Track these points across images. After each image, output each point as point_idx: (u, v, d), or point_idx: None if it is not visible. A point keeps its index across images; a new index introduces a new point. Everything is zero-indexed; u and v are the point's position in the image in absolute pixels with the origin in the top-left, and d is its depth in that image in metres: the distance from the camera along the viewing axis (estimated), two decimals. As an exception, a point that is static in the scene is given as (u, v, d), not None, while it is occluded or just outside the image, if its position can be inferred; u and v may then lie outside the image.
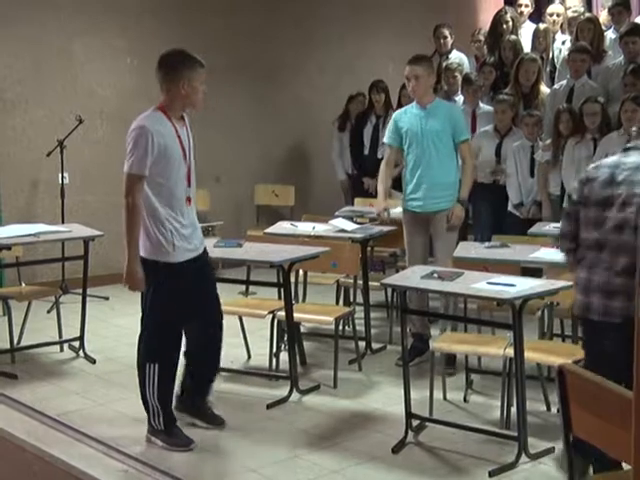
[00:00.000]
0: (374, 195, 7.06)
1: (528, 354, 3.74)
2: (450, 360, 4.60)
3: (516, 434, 3.66)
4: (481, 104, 6.64)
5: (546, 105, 6.35)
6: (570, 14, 7.20)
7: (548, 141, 5.98)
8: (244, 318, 4.95)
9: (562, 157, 5.84)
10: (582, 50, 6.29)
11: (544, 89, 6.54)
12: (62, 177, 6.44)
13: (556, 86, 6.46)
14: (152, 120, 3.67)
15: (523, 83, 6.44)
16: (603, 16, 7.31)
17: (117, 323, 5.81)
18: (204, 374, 4.01)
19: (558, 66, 6.85)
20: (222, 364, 4.74)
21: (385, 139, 5.11)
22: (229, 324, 4.92)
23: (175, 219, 3.69)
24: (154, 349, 3.77)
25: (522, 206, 6.10)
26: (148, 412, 3.82)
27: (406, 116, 4.95)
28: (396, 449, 3.75)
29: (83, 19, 6.75)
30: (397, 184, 5.87)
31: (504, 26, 7.24)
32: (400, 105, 7.01)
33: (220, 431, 3.97)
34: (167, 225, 3.67)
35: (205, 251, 3.91)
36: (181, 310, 3.74)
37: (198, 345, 3.95)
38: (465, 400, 4.35)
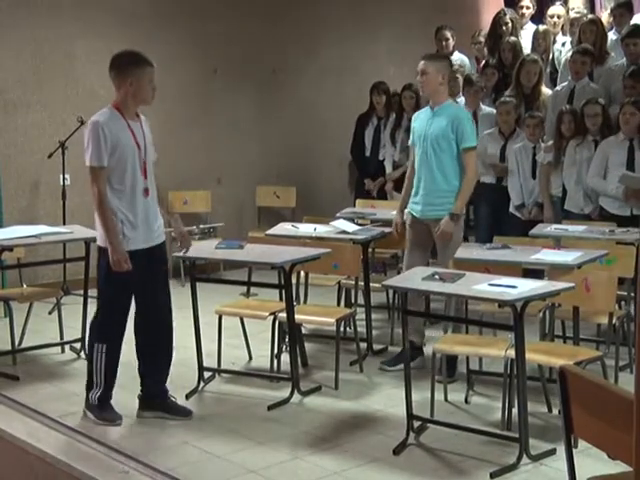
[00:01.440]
0: (375, 197, 7.10)
1: (529, 355, 3.74)
2: (451, 367, 4.54)
3: (517, 435, 3.65)
4: (482, 105, 6.64)
5: (548, 107, 6.35)
6: (573, 15, 7.20)
7: (550, 142, 5.98)
8: (245, 319, 4.95)
9: (564, 158, 5.85)
10: (583, 52, 6.29)
11: (545, 90, 6.54)
12: (63, 178, 6.44)
13: (558, 88, 6.46)
14: (105, 116, 3.96)
15: (524, 84, 6.44)
16: (605, 17, 7.30)
17: (118, 324, 5.80)
18: (157, 361, 4.20)
19: (560, 68, 6.86)
20: (223, 365, 4.78)
21: (409, 142, 5.02)
22: (230, 325, 4.94)
23: (127, 209, 3.97)
24: (103, 330, 4.07)
25: (523, 207, 6.10)
26: (90, 388, 4.11)
27: (419, 117, 4.87)
28: (397, 450, 3.75)
29: (84, 21, 6.75)
30: (399, 185, 5.88)
31: (503, 28, 7.25)
32: (401, 107, 7.02)
33: (222, 433, 3.98)
34: (118, 215, 3.95)
35: (163, 242, 4.17)
36: (129, 296, 4.04)
37: (148, 332, 4.17)
38: (466, 401, 4.35)
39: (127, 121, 3.98)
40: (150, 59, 4.07)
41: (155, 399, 4.19)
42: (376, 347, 5.19)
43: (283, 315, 4.56)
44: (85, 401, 4.15)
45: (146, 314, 4.14)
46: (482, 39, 7.56)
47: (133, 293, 4.07)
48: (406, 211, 4.91)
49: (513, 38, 7.05)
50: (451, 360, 4.56)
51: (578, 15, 7.08)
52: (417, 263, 4.62)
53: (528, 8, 7.53)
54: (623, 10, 6.77)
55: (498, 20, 7.33)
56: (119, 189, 3.95)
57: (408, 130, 5.29)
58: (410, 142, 4.97)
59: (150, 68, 4.03)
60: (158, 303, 4.16)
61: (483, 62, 7.42)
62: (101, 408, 4.10)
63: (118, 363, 4.15)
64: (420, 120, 4.83)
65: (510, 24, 7.23)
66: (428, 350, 4.61)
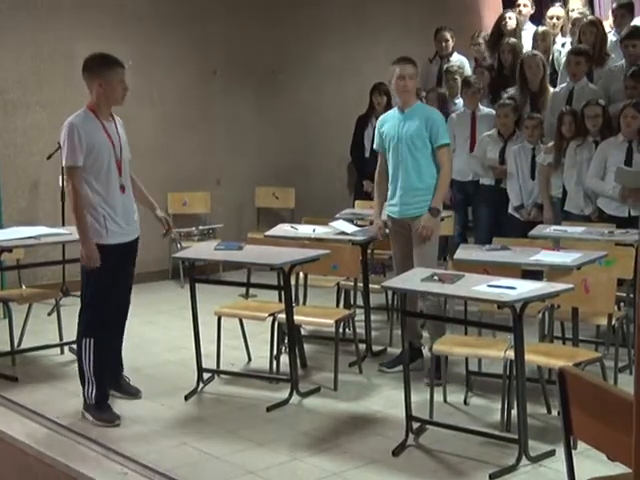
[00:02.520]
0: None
1: (529, 357, 3.74)
2: (437, 369, 4.40)
3: (516, 437, 3.65)
4: (481, 106, 6.65)
5: (547, 108, 6.35)
6: (575, 15, 7.19)
7: (550, 144, 5.98)
8: (244, 321, 4.95)
9: (564, 160, 5.85)
10: (577, 52, 6.28)
11: (551, 88, 6.54)
12: (63, 179, 6.42)
13: (557, 89, 6.47)
14: (80, 118, 4.13)
15: (531, 79, 6.43)
16: (609, 19, 7.30)
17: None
18: (112, 341, 4.34)
19: (560, 69, 6.85)
20: (222, 366, 4.78)
21: (374, 146, 5.03)
22: (230, 327, 4.94)
23: (107, 205, 4.13)
24: (90, 325, 4.16)
25: (522, 208, 6.10)
26: (84, 386, 4.17)
27: (388, 120, 4.87)
28: (396, 452, 3.75)
29: (84, 22, 6.75)
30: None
31: (507, 28, 7.25)
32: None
33: (221, 434, 3.98)
34: (100, 210, 4.12)
35: (137, 238, 4.31)
36: (110, 288, 4.15)
37: (115, 318, 4.33)
38: (465, 403, 4.35)
39: (101, 122, 4.16)
40: (120, 60, 4.22)
41: (109, 379, 4.32)
42: (375, 348, 5.18)
43: (282, 316, 4.56)
44: (83, 402, 4.19)
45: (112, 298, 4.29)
46: (481, 40, 7.56)
47: (116, 285, 4.19)
48: (385, 216, 4.92)
49: (513, 39, 7.05)
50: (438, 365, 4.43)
51: (580, 16, 7.07)
52: (397, 254, 4.79)
53: (526, 6, 7.52)
54: (624, 11, 6.76)
55: (502, 20, 7.32)
56: (97, 186, 4.12)
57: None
58: (376, 147, 4.96)
59: (120, 69, 4.21)
60: (125, 288, 4.34)
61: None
62: (99, 409, 4.13)
63: (110, 359, 4.27)
64: (390, 123, 4.83)
65: (514, 25, 7.22)
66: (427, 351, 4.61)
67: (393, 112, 4.90)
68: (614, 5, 7.00)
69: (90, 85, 4.17)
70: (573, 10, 7.32)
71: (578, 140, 5.79)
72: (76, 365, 4.94)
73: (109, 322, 4.22)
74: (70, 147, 4.06)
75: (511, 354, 3.75)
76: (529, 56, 6.50)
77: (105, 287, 4.14)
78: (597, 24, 6.65)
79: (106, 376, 4.21)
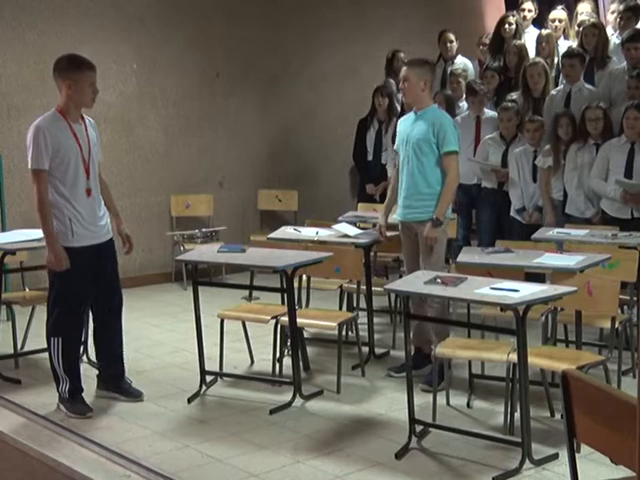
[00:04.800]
0: (377, 200, 7.10)
1: (532, 360, 3.74)
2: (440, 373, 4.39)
3: (520, 440, 3.65)
4: (485, 109, 6.64)
5: (544, 113, 6.34)
6: (581, 18, 7.17)
7: (547, 147, 5.98)
8: (247, 323, 4.95)
9: (564, 162, 5.85)
10: (570, 55, 6.27)
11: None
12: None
13: (553, 92, 6.46)
14: (47, 120, 4.12)
15: (532, 88, 6.44)
16: (611, 20, 7.28)
17: (120, 328, 5.80)
18: (112, 345, 4.42)
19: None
20: (225, 369, 4.78)
21: (394, 146, 5.05)
22: (232, 329, 4.94)
23: (74, 208, 4.14)
24: (57, 324, 4.21)
25: (524, 211, 6.10)
26: (56, 381, 4.26)
27: (404, 121, 4.89)
28: (399, 455, 3.74)
29: (88, 25, 6.77)
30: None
31: (507, 30, 7.24)
32: (403, 111, 7.02)
33: (223, 436, 3.98)
34: (65, 212, 4.12)
35: (110, 240, 4.33)
36: (79, 290, 4.19)
37: (104, 319, 4.39)
38: (468, 406, 4.35)
39: (69, 123, 4.14)
40: (91, 62, 4.20)
41: (111, 381, 4.45)
42: (378, 351, 5.18)
43: (285, 319, 4.55)
44: (58, 395, 4.29)
45: (102, 303, 4.36)
46: (488, 41, 7.57)
47: (85, 287, 4.21)
48: (394, 218, 4.92)
49: (519, 41, 7.04)
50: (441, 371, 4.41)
51: (585, 19, 7.06)
52: (406, 255, 4.78)
53: (530, 11, 7.53)
54: (630, 14, 6.74)
55: (503, 23, 7.32)
56: (63, 189, 4.13)
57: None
58: (395, 147, 4.99)
59: (90, 72, 4.18)
60: (112, 293, 4.37)
61: (485, 65, 7.43)
62: (72, 401, 4.23)
63: (79, 356, 4.38)
64: (404, 124, 4.85)
65: (514, 27, 7.22)
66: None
67: (410, 114, 4.88)
68: (620, 7, 6.97)
69: (59, 86, 4.16)
70: (582, 13, 7.30)
71: (579, 143, 5.79)
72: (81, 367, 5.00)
73: (77, 321, 4.28)
74: (35, 150, 4.06)
75: (514, 357, 3.74)
76: (531, 64, 6.48)
77: (71, 287, 4.16)
78: (599, 27, 6.65)
79: (78, 370, 4.29)
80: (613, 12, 7.25)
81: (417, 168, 4.68)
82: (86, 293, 4.26)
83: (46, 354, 5.10)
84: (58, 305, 4.21)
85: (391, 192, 4.95)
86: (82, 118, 4.24)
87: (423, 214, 4.66)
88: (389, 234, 5.17)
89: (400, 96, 6.79)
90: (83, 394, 4.30)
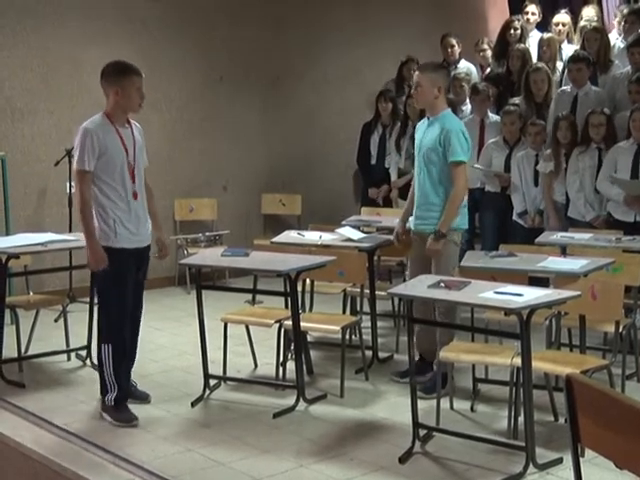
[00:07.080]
0: (381, 204, 7.10)
1: (536, 364, 3.73)
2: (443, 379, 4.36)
3: (524, 444, 3.64)
4: (490, 114, 6.64)
5: (549, 114, 6.34)
6: (582, 23, 7.17)
7: (548, 151, 5.97)
8: (251, 327, 4.95)
9: (565, 165, 5.85)
10: (575, 59, 6.27)
11: None
12: (70, 186, 6.44)
13: (558, 91, 6.45)
14: (94, 123, 4.18)
15: (535, 93, 6.44)
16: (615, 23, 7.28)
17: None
18: (130, 353, 4.38)
19: (564, 77, 6.84)
20: (229, 373, 4.78)
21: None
22: (236, 333, 4.94)
23: (119, 209, 4.16)
24: (106, 331, 4.22)
25: (526, 215, 6.09)
26: (104, 390, 4.23)
27: (419, 127, 4.77)
28: (403, 459, 3.74)
29: (92, 28, 6.78)
30: (404, 193, 5.88)
31: (512, 35, 7.25)
32: (406, 115, 7.02)
33: (227, 440, 3.97)
34: (110, 214, 4.15)
35: (149, 246, 4.34)
36: (122, 293, 4.18)
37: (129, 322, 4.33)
38: (472, 410, 4.34)
39: (116, 127, 4.19)
40: (138, 69, 4.25)
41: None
42: (382, 355, 5.18)
43: (289, 323, 4.55)
44: (101, 403, 4.26)
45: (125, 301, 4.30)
46: (486, 46, 7.57)
47: (126, 289, 4.21)
48: (408, 226, 4.85)
49: (522, 45, 7.04)
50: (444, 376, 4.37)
51: (587, 24, 7.06)
52: (414, 267, 4.66)
53: (534, 14, 7.54)
54: (634, 18, 6.74)
55: (508, 27, 7.32)
56: (109, 191, 4.16)
57: (413, 138, 5.28)
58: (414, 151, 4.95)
59: (137, 77, 4.24)
60: (137, 300, 4.35)
61: (488, 70, 7.42)
62: (117, 409, 4.20)
63: (126, 361, 4.31)
64: (419, 130, 4.75)
65: (519, 31, 7.22)
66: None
67: (425, 119, 4.73)
68: (625, 11, 6.97)
69: (107, 92, 4.23)
70: (583, 18, 7.29)
71: (581, 147, 5.79)
72: (82, 372, 5.02)
73: (124, 325, 4.23)
74: (81, 151, 4.11)
75: (518, 361, 3.74)
76: (534, 70, 6.48)
77: (115, 290, 4.16)
78: (601, 31, 6.65)
79: (124, 376, 4.27)
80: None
81: (427, 178, 4.58)
82: (128, 294, 4.22)
83: (51, 358, 5.16)
84: (105, 310, 4.21)
85: (410, 199, 4.83)
86: (129, 122, 4.29)
87: (431, 225, 4.55)
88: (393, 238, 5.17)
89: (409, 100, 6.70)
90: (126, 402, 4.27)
